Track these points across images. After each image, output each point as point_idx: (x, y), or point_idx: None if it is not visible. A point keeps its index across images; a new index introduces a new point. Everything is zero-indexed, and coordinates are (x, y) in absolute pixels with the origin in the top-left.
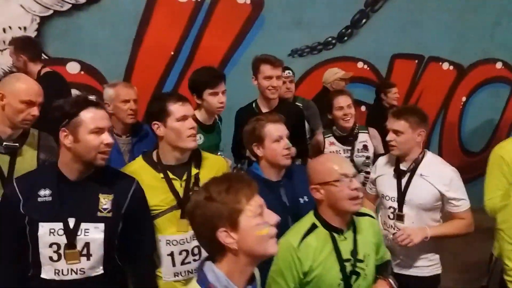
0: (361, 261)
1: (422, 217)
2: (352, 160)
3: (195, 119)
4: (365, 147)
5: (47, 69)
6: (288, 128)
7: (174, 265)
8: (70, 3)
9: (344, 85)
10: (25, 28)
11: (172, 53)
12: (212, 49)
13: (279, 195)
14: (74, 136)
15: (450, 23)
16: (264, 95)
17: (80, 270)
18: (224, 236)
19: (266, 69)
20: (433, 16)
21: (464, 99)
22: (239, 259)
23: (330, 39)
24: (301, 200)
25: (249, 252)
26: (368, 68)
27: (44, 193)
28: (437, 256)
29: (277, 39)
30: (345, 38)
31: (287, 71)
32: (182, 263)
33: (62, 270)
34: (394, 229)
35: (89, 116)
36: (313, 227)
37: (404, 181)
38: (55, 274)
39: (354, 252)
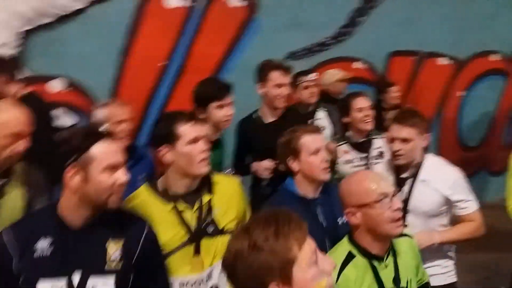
0: None
1: (429, 224)
2: (368, 169)
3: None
4: (380, 154)
5: (25, 91)
6: None
7: None
8: (53, 16)
9: (344, 86)
10: (4, 44)
11: (163, 63)
12: (206, 57)
13: (316, 215)
14: (84, 175)
15: (447, 16)
16: (272, 104)
17: None
18: None
19: (277, 76)
20: (430, 11)
21: (461, 93)
22: None
23: (327, 39)
24: (340, 221)
25: None
26: (366, 68)
27: (42, 245)
28: (451, 262)
29: (273, 42)
30: (342, 37)
31: (311, 74)
32: None
33: None
34: None
35: (102, 151)
36: (350, 256)
37: (405, 188)
38: None
39: (396, 280)
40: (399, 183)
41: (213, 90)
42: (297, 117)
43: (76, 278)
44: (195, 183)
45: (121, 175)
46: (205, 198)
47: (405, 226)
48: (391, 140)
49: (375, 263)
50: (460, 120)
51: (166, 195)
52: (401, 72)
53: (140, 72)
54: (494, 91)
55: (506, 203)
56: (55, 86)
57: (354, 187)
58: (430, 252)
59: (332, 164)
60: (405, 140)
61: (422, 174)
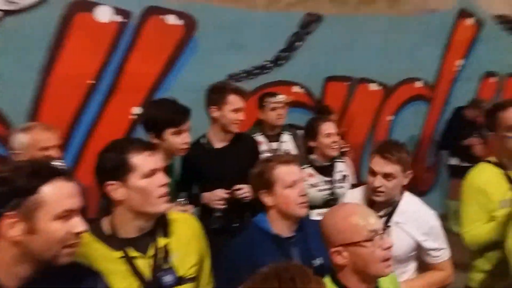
0: None
1: (396, 270)
2: (332, 193)
3: None
4: (344, 178)
5: None
6: (246, 164)
7: None
8: None
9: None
10: None
11: (91, 82)
12: (140, 76)
13: (290, 256)
14: (28, 224)
15: (377, 45)
16: (226, 129)
17: None
18: None
19: (236, 101)
20: (361, 39)
21: (390, 117)
22: None
23: (266, 62)
24: (315, 263)
25: None
26: (304, 92)
27: None
28: None
29: (212, 63)
30: (281, 61)
31: (278, 96)
32: None
33: None
34: None
35: (54, 193)
36: None
37: None
38: None
39: None
40: None
41: (169, 114)
42: (249, 142)
43: None
44: (149, 224)
45: (77, 223)
46: (161, 242)
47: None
48: (373, 174)
49: None
50: None
51: (114, 240)
52: (336, 97)
53: (63, 91)
54: (419, 116)
55: (462, 230)
56: None
57: (341, 224)
58: None
59: None
60: (388, 176)
61: (397, 215)
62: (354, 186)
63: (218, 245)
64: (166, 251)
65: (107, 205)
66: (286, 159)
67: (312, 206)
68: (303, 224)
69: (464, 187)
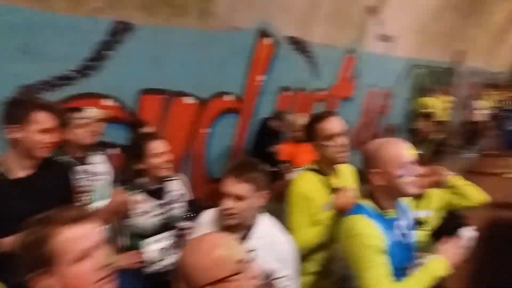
0: None
1: None
2: (168, 218)
3: None
4: (182, 196)
5: None
6: (57, 193)
7: None
8: None
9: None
10: None
11: None
12: None
13: None
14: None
15: (188, 59)
16: (29, 154)
17: None
18: None
19: (44, 119)
20: (173, 52)
21: (205, 130)
22: None
23: (70, 72)
24: None
25: None
26: (117, 105)
27: None
28: None
29: (2, 73)
30: (89, 71)
31: (87, 110)
32: None
33: None
34: None
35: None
36: None
37: None
38: None
39: None
40: None
41: None
42: (60, 169)
43: None
44: None
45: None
46: None
47: None
48: (224, 195)
49: None
50: (206, 155)
51: None
52: (152, 110)
53: None
54: (230, 128)
55: (292, 236)
56: None
57: (203, 261)
58: None
59: (125, 217)
60: (239, 198)
61: (252, 241)
62: (190, 202)
63: None
64: None
65: None
66: (74, 215)
67: (146, 235)
68: None
69: (290, 195)
